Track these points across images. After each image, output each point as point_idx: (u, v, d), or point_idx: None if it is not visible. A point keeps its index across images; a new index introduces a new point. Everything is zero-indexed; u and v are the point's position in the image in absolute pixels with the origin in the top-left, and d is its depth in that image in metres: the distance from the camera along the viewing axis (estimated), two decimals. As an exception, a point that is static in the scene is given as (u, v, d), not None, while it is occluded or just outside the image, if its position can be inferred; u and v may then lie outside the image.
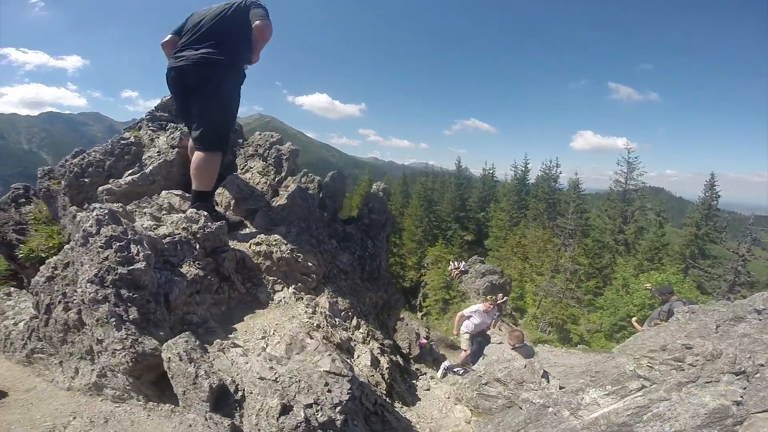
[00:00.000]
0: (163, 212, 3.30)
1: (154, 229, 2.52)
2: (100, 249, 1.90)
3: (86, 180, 3.73)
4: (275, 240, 3.13)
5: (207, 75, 2.99)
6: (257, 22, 3.01)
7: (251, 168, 4.12)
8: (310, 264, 3.18)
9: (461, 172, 42.94)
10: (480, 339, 7.14)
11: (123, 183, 3.47)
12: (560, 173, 35.83)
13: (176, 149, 3.77)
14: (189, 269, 2.38)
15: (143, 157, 3.89)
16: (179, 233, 2.53)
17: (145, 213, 3.27)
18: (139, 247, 2.02)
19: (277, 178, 4.09)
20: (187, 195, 3.53)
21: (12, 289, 3.02)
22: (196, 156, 3.08)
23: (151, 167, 3.56)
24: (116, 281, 1.85)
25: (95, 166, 3.76)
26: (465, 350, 7.17)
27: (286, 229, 3.40)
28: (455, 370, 6.43)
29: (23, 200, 4.19)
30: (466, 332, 7.19)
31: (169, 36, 3.30)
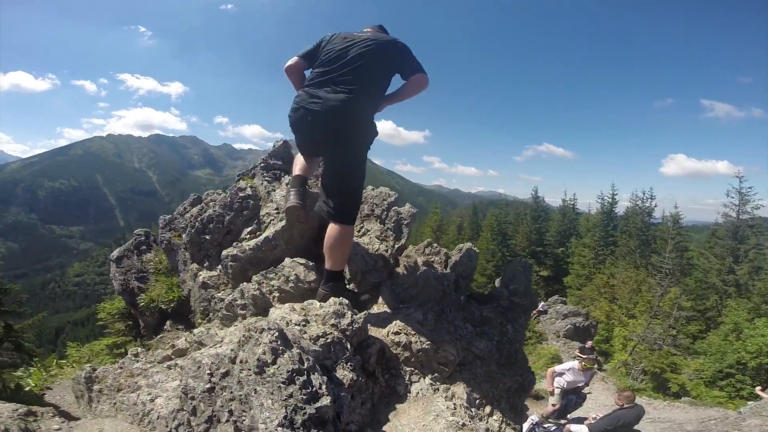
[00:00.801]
0: (290, 284, 3.05)
1: (304, 326, 2.17)
2: (282, 385, 1.60)
3: (207, 237, 3.60)
4: (414, 329, 2.74)
5: (349, 130, 2.58)
6: (417, 75, 2.66)
7: (368, 231, 3.73)
8: (448, 354, 2.81)
9: (538, 203, 40.27)
10: (572, 396, 6.98)
11: (247, 248, 3.26)
12: (655, 206, 32.04)
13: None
14: (343, 372, 2.10)
15: (261, 213, 3.71)
16: (330, 333, 2.18)
17: (273, 288, 3.02)
18: (320, 379, 1.73)
19: (396, 246, 3.66)
20: (310, 264, 3.25)
21: (139, 350, 2.85)
22: (333, 231, 2.67)
23: (273, 231, 3.31)
24: (306, 422, 1.58)
25: (215, 222, 3.63)
26: (554, 405, 7.00)
27: (422, 315, 2.95)
28: (545, 426, 6.28)
29: (144, 247, 4.22)
30: (558, 388, 6.97)
31: (296, 59, 2.84)
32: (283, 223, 3.46)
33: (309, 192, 3.28)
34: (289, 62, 2.85)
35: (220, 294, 2.78)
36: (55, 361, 5.20)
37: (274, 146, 4.51)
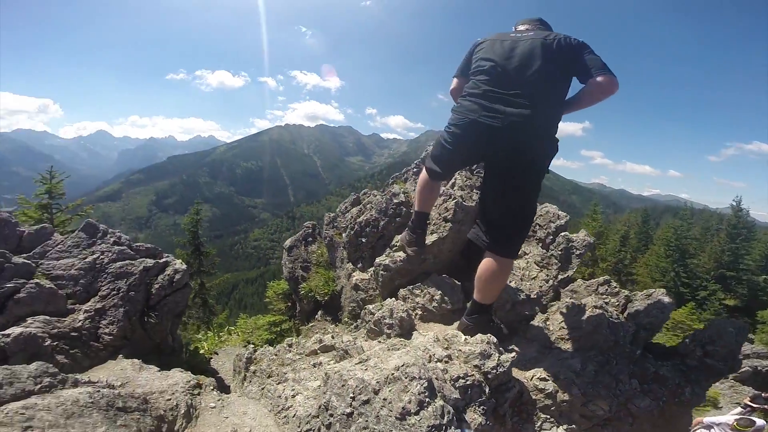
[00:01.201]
0: (434, 303, 2.96)
1: (446, 362, 2.04)
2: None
3: (362, 240, 3.79)
4: (566, 378, 2.35)
5: (533, 150, 2.24)
6: (600, 78, 2.15)
7: (525, 255, 3.33)
8: (598, 409, 2.38)
9: (740, 217, 30.81)
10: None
11: (398, 259, 3.30)
12: None
13: (450, 224, 3.35)
14: (473, 416, 1.92)
15: (413, 222, 3.72)
16: (472, 375, 2.00)
17: (417, 305, 2.98)
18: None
19: (560, 277, 3.17)
20: (456, 284, 3.11)
21: (294, 340, 3.15)
22: (492, 264, 2.36)
23: (426, 245, 3.26)
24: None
25: (371, 226, 3.78)
26: None
27: (581, 364, 2.49)
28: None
29: (311, 239, 4.74)
30: None
31: (455, 81, 2.72)
32: (434, 237, 3.37)
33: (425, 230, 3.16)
34: (452, 86, 2.76)
35: (370, 307, 2.87)
36: (226, 328, 6.37)
37: (426, 151, 4.46)
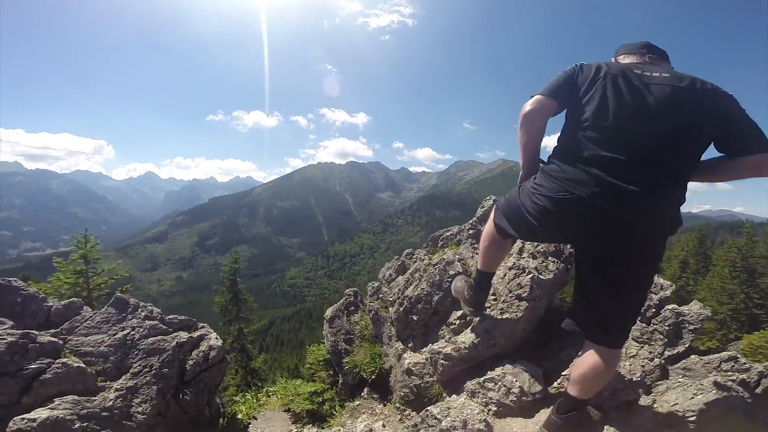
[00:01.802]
0: (512, 396, 2.45)
1: None
2: None
3: (414, 318, 3.33)
4: None
5: (658, 235, 1.71)
6: (760, 156, 1.60)
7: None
8: None
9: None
10: None
11: (462, 347, 2.80)
12: None
13: (525, 302, 2.85)
14: None
15: (472, 296, 3.24)
16: None
17: (491, 400, 2.47)
18: None
19: (668, 354, 2.57)
20: (537, 371, 2.63)
21: (342, 430, 2.69)
22: (598, 357, 1.87)
23: (495, 328, 2.76)
24: None
25: (423, 302, 3.32)
26: None
27: None
28: None
29: (353, 308, 4.34)
30: None
31: (542, 99, 1.83)
32: (506, 316, 2.87)
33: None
34: (532, 105, 1.84)
35: (435, 411, 2.38)
36: (265, 390, 5.95)
37: (482, 207, 4.02)
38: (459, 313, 3.24)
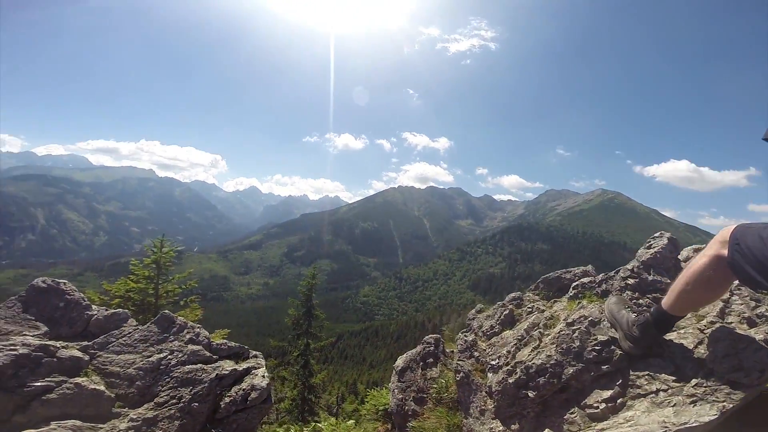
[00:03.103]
0: None
1: None
2: None
3: (529, 394, 2.19)
4: None
5: None
6: None
7: None
8: None
9: None
10: None
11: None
12: None
13: (742, 390, 1.59)
14: None
15: (630, 376, 2.02)
16: None
17: None
18: None
19: None
20: None
21: None
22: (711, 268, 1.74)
23: (670, 415, 1.57)
24: None
25: (549, 374, 2.17)
26: None
27: None
28: None
29: (431, 360, 3.28)
30: None
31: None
32: (709, 411, 1.63)
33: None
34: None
35: None
36: (312, 426, 5.08)
37: (650, 247, 2.74)
38: (606, 393, 2.07)
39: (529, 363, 2.25)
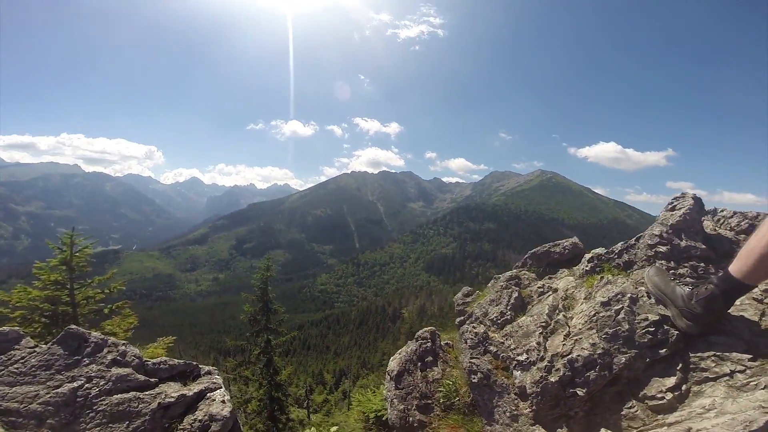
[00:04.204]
0: None
1: None
2: None
3: (577, 392, 1.76)
4: None
5: None
6: None
7: None
8: None
9: None
10: None
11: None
12: None
13: None
14: None
15: (692, 358, 1.65)
16: None
17: None
18: None
19: None
20: None
21: None
22: None
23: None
24: None
25: (599, 366, 1.75)
26: None
27: None
28: None
29: (430, 358, 2.78)
30: None
31: None
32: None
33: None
34: None
35: None
36: None
37: (673, 208, 2.40)
38: (668, 381, 1.68)
39: (574, 356, 1.83)
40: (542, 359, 1.94)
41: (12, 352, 2.08)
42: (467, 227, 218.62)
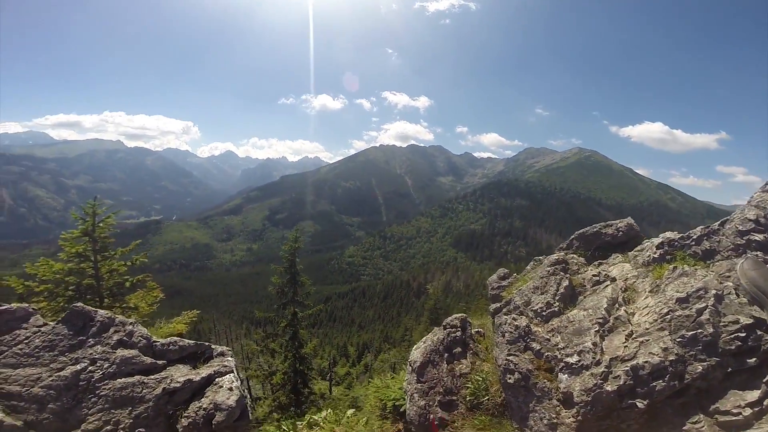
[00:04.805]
0: None
1: None
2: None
3: (638, 403, 1.45)
4: None
5: None
6: None
7: None
8: None
9: None
10: None
11: None
12: None
13: None
14: None
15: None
16: None
17: None
18: None
19: None
20: None
21: None
22: None
23: None
24: None
25: (669, 375, 1.42)
26: None
27: None
28: None
29: (459, 349, 2.50)
30: None
31: None
32: None
33: None
34: None
35: None
36: (307, 420, 4.42)
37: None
38: (750, 395, 1.33)
39: (639, 362, 1.51)
40: (598, 363, 1.63)
41: (18, 331, 2.01)
42: (498, 203, 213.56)
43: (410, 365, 2.53)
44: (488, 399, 2.14)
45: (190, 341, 2.35)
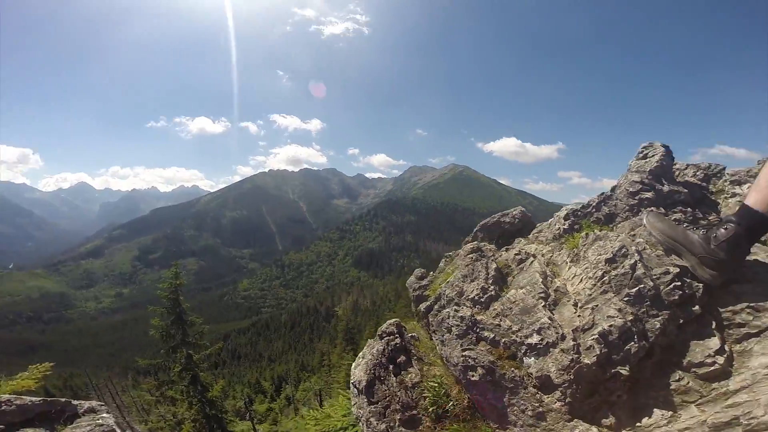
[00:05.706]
0: None
1: None
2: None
3: (621, 370, 1.43)
4: None
5: None
6: None
7: None
8: None
9: None
10: None
11: None
12: None
13: None
14: None
15: (724, 313, 1.39)
16: None
17: None
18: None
19: None
20: None
21: None
22: None
23: None
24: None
25: (636, 335, 1.41)
26: None
27: None
28: None
29: (402, 359, 2.23)
30: None
31: None
32: None
33: None
34: None
35: None
36: None
37: (645, 156, 2.18)
38: (712, 343, 1.39)
39: (604, 328, 1.45)
40: (563, 338, 1.55)
41: None
42: (391, 221, 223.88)
43: (354, 386, 2.17)
44: (453, 405, 1.92)
45: (34, 398, 1.61)
